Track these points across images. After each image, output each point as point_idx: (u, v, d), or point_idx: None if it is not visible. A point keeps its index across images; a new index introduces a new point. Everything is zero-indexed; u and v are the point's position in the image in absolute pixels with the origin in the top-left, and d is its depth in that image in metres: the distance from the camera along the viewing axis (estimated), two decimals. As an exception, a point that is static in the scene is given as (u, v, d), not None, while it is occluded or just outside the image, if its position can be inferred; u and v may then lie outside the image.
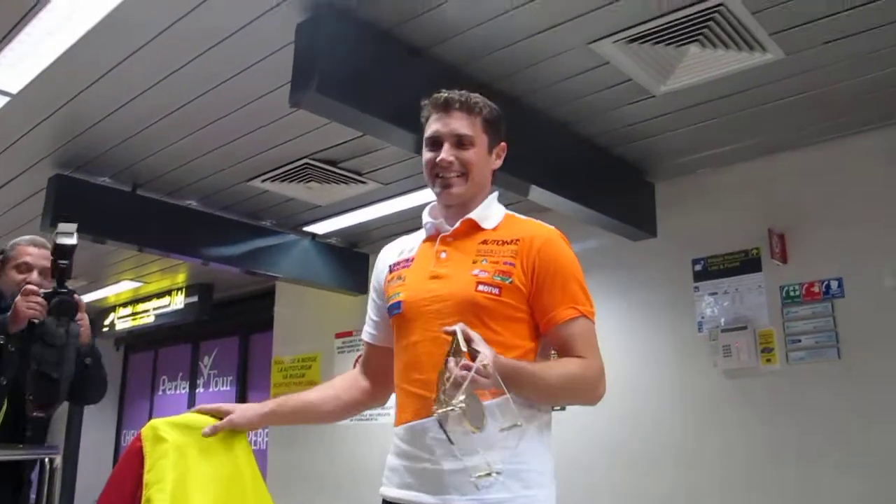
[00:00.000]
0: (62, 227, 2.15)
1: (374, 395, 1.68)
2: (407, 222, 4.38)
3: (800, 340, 3.63)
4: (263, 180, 4.33)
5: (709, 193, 4.10)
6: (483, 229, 1.57)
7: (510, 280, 1.47)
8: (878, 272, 3.46)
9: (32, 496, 2.35)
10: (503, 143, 1.64)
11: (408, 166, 4.04)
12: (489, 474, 1.28)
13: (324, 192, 4.49)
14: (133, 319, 7.55)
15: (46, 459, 2.24)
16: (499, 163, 1.64)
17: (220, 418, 1.51)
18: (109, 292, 7.16)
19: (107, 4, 2.62)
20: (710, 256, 4.01)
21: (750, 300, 3.83)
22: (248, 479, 1.48)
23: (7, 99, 3.30)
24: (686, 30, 2.77)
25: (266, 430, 6.54)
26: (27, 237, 2.51)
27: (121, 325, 7.76)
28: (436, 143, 1.57)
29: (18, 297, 2.15)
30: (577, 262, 1.54)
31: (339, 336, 5.88)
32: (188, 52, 2.96)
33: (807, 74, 3.09)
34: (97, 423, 8.27)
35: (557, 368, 1.45)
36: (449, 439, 1.27)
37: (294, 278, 5.38)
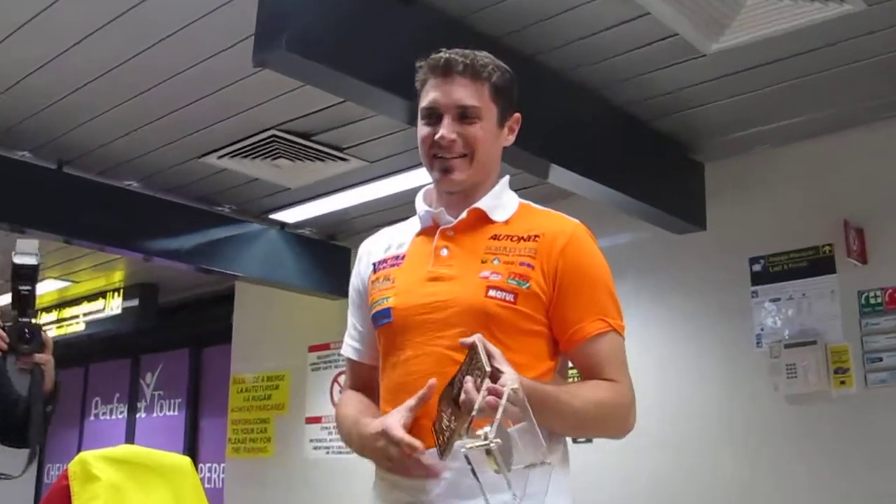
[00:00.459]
0: (21, 244, 2.11)
1: None
2: (396, 209, 4.36)
3: (881, 359, 3.63)
4: (220, 156, 4.33)
5: (770, 177, 4.09)
6: (493, 222, 1.57)
7: (527, 285, 1.47)
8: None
9: None
10: (517, 114, 1.63)
11: (398, 140, 4.03)
12: None
13: (294, 172, 4.49)
14: (58, 328, 7.54)
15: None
16: (511, 138, 1.64)
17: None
18: (29, 294, 7.17)
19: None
20: (771, 255, 4.01)
21: (820, 309, 3.83)
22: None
23: None
24: (744, -27, 2.78)
25: (222, 466, 6.56)
26: None
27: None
28: (434, 115, 1.56)
29: None
30: (606, 266, 1.55)
31: (313, 350, 5.85)
32: (127, -3, 2.95)
33: (893, 31, 3.08)
34: (13, 457, 8.27)
35: (586, 393, 1.46)
36: (477, 480, 1.24)
37: (258, 278, 5.38)
